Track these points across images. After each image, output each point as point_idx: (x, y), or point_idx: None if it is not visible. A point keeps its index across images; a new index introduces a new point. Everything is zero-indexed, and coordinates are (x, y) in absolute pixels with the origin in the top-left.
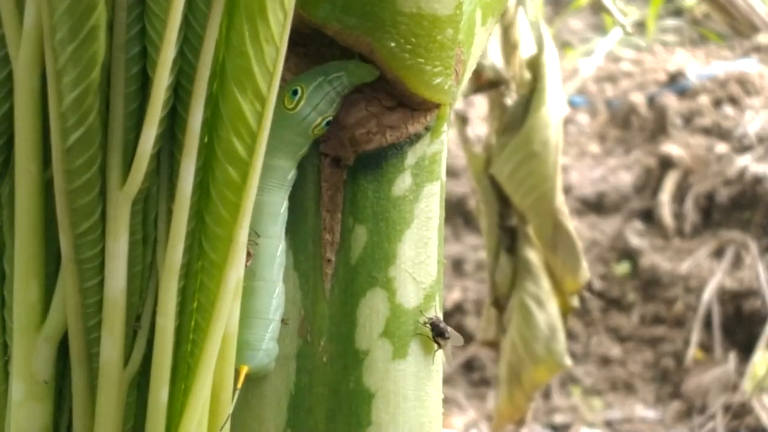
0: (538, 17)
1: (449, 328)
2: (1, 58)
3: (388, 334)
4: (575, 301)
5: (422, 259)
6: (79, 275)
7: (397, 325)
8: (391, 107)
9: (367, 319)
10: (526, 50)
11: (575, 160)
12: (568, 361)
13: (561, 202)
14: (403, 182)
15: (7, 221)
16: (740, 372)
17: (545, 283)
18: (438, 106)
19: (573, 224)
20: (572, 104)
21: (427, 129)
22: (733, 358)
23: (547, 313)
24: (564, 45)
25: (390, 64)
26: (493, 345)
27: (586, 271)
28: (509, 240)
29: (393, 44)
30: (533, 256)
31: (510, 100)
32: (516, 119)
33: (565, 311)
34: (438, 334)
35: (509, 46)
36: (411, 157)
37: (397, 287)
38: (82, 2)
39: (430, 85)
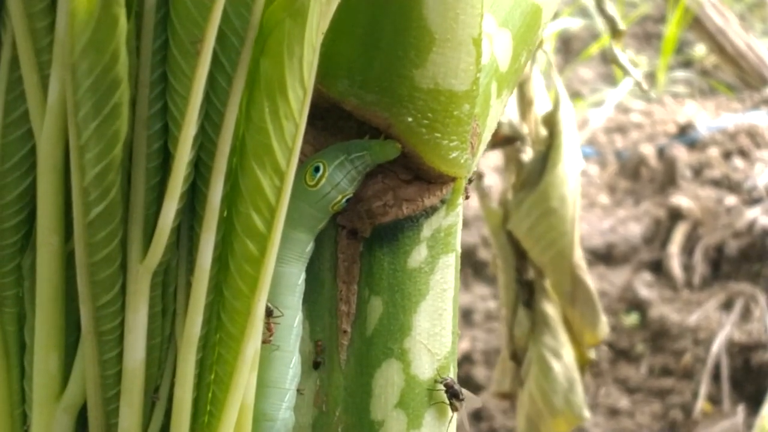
0: (553, 72)
1: (464, 390)
2: (24, 133)
3: (403, 405)
4: (592, 354)
5: (437, 331)
6: (99, 347)
7: (412, 396)
8: (408, 180)
9: (383, 390)
10: (541, 106)
11: (585, 211)
12: (587, 414)
13: (579, 256)
14: (419, 254)
15: (29, 293)
16: (749, 425)
17: (563, 337)
18: (454, 179)
19: None
20: (582, 155)
21: (442, 202)
22: (741, 410)
23: (565, 365)
24: (574, 95)
25: (407, 138)
26: (509, 397)
27: (605, 325)
28: (527, 294)
29: (410, 119)
30: (551, 309)
31: (526, 156)
32: (533, 175)
33: (583, 364)
34: (453, 396)
35: (524, 103)
36: (427, 230)
37: (412, 358)
38: (106, 79)
39: (446, 159)
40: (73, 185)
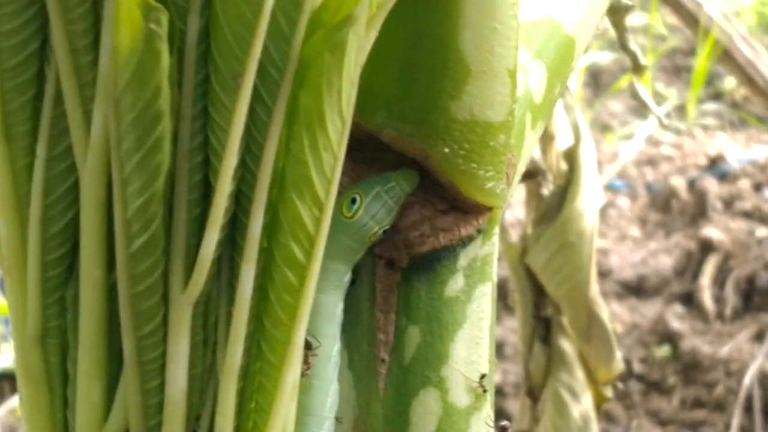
0: (575, 106)
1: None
2: (67, 167)
3: None
4: (609, 392)
5: (474, 359)
6: (141, 376)
7: (450, 425)
8: (444, 210)
9: (420, 418)
10: (562, 141)
11: (615, 244)
12: None
13: (595, 292)
14: (456, 284)
15: (71, 324)
16: None
17: (579, 374)
18: (490, 209)
19: (613, 308)
20: (612, 188)
21: (479, 231)
22: None
23: (581, 403)
24: (603, 128)
25: (444, 169)
26: None
27: (619, 362)
28: (544, 330)
29: (447, 150)
30: (567, 346)
31: (546, 190)
32: (552, 209)
33: (599, 402)
34: None
35: (546, 137)
36: (463, 259)
37: (449, 387)
38: (149, 113)
39: (482, 189)
40: (115, 218)
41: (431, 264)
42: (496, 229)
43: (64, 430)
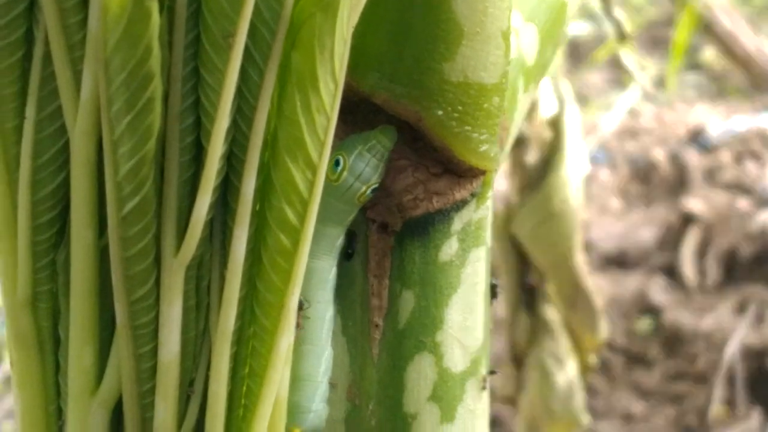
0: (558, 75)
1: None
2: (57, 129)
3: (436, 398)
4: (594, 360)
5: (469, 324)
6: (134, 341)
7: (445, 390)
8: (438, 174)
9: (415, 383)
10: (546, 109)
11: (597, 216)
12: (585, 419)
13: (581, 260)
14: (450, 248)
15: (63, 288)
16: (764, 429)
17: (564, 342)
18: (484, 172)
19: (595, 280)
20: (593, 160)
21: (473, 195)
22: (756, 414)
23: (566, 371)
24: (582, 100)
25: (437, 131)
26: (512, 401)
27: (604, 329)
28: (529, 298)
29: (440, 112)
30: (552, 314)
31: (531, 158)
32: (536, 178)
33: (585, 370)
34: None
35: (530, 105)
36: (457, 223)
37: (444, 352)
38: (139, 74)
39: (476, 152)
40: (106, 180)
41: (425, 228)
42: (490, 193)
43: (56, 395)
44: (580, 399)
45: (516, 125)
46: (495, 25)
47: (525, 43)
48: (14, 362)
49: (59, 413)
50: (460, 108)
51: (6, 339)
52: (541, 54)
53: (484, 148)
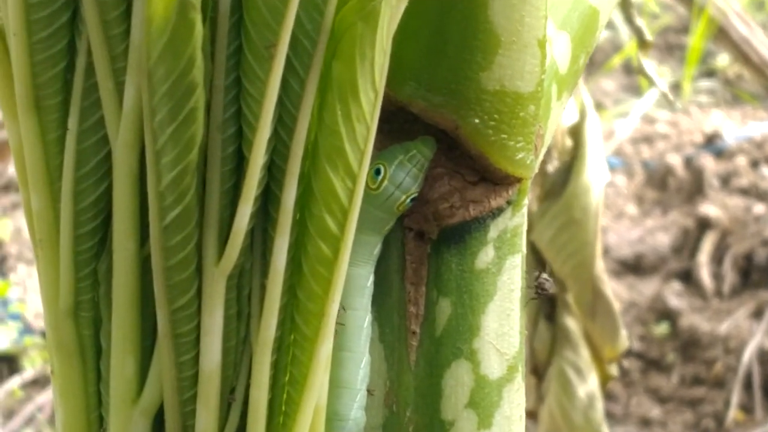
0: (579, 84)
1: None
2: (100, 139)
3: (473, 405)
4: (614, 370)
5: (505, 331)
6: (175, 349)
7: (482, 396)
8: (474, 182)
9: (453, 390)
10: (567, 116)
11: (613, 222)
12: (605, 431)
13: (600, 269)
14: (486, 255)
15: (104, 297)
16: None
17: (584, 352)
18: (519, 180)
19: (611, 286)
20: (609, 166)
21: (508, 203)
22: None
23: (586, 381)
24: (597, 106)
25: (474, 140)
26: (532, 414)
27: (624, 339)
28: (549, 307)
29: (477, 121)
30: (572, 323)
31: (551, 166)
32: (557, 186)
33: (605, 380)
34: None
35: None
36: (493, 231)
37: (481, 359)
38: (182, 84)
39: (512, 160)
40: (149, 190)
41: (461, 236)
42: (526, 201)
43: (98, 404)
44: (600, 410)
45: (550, 133)
46: (531, 33)
47: (558, 52)
48: (56, 371)
49: (100, 422)
50: (496, 116)
51: (47, 348)
52: (574, 62)
53: (520, 156)
